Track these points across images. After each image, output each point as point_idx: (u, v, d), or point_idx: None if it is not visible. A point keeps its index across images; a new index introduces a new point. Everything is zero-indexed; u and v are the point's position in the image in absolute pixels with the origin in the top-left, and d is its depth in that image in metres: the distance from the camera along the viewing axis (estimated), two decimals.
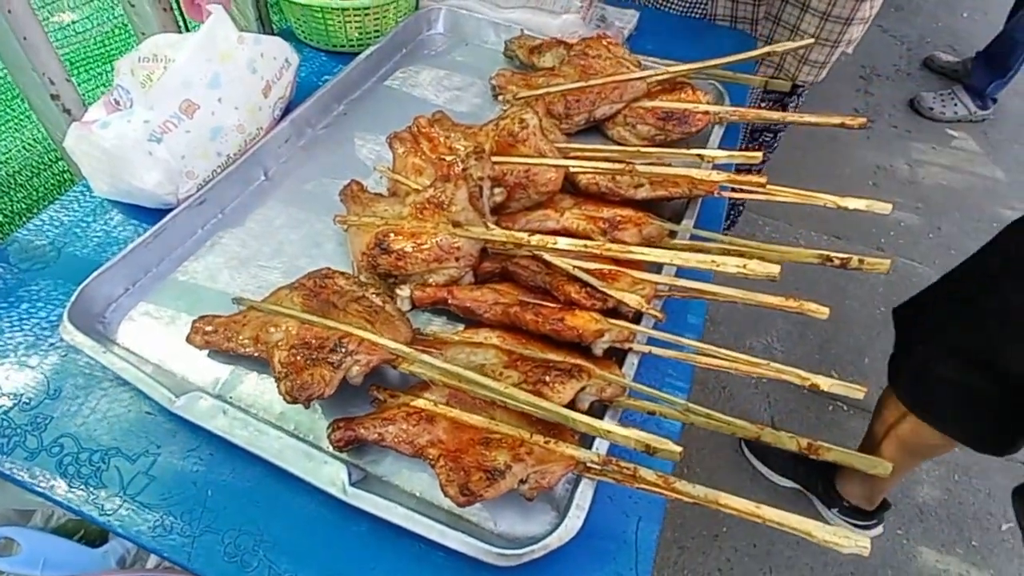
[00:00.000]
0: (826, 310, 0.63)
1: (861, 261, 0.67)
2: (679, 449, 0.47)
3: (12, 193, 0.93)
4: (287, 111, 0.92)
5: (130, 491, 0.57)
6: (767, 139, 1.59)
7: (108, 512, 0.56)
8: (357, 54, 1.02)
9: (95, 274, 0.68)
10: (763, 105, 1.47)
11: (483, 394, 0.54)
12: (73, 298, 0.66)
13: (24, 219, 0.94)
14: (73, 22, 1.08)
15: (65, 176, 1.00)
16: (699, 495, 0.49)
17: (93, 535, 0.73)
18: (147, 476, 0.58)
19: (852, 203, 0.75)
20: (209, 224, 0.80)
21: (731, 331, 1.99)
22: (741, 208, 1.86)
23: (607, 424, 0.50)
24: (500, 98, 0.99)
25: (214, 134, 0.79)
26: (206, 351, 0.67)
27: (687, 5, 1.33)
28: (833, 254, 0.68)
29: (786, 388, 1.84)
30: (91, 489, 0.57)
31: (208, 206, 0.79)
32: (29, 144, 0.97)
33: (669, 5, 1.34)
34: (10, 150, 0.94)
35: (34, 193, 0.96)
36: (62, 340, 0.66)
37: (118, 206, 0.82)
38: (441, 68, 1.09)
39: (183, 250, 0.77)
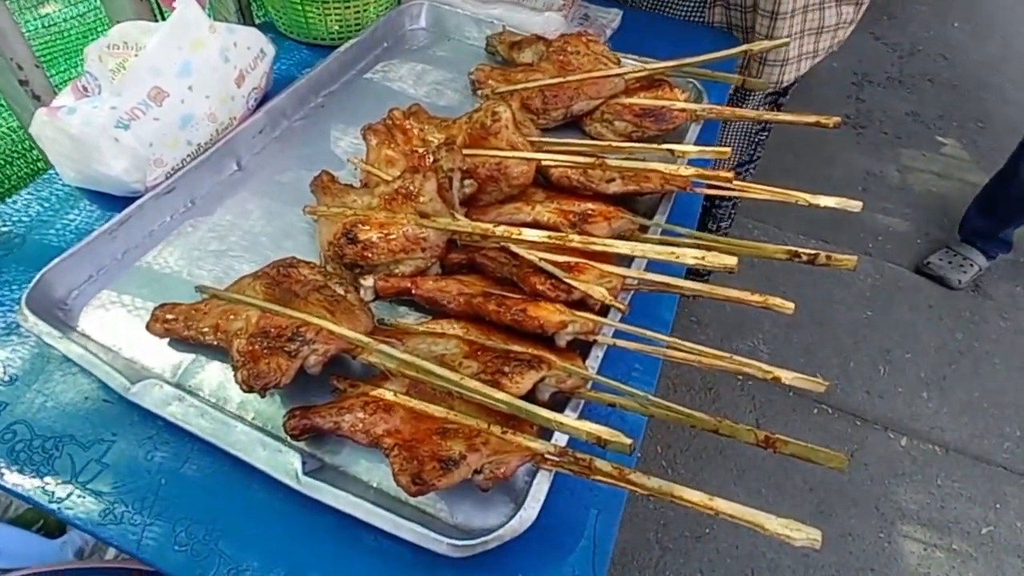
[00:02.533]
0: (791, 305, 0.63)
1: (828, 257, 0.66)
2: (629, 441, 0.46)
3: None
4: (263, 102, 0.92)
5: (82, 478, 0.56)
6: (762, 138, 1.58)
7: (58, 500, 0.55)
8: (337, 47, 1.02)
9: (57, 260, 0.67)
10: (762, 108, 1.46)
11: (440, 384, 0.54)
12: (32, 283, 0.65)
13: None
14: (55, 12, 1.07)
15: (39, 164, 0.99)
16: (654, 487, 0.49)
17: (52, 526, 0.72)
18: (100, 464, 0.57)
19: (824, 200, 0.75)
20: (178, 213, 0.79)
21: (717, 333, 1.99)
22: (733, 212, 1.85)
23: (559, 416, 0.50)
24: (479, 93, 0.98)
25: (184, 122, 0.78)
26: (167, 339, 0.66)
27: (684, 11, 1.33)
28: (800, 250, 0.68)
29: (772, 391, 1.84)
30: (42, 476, 0.56)
31: (177, 195, 0.78)
32: (4, 132, 0.96)
33: (665, 10, 1.34)
34: None
35: (6, 181, 0.95)
36: (20, 326, 0.65)
37: (87, 194, 0.81)
38: (422, 62, 1.09)
39: (150, 238, 0.76)
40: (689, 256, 0.58)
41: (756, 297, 0.61)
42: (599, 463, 0.50)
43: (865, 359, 1.97)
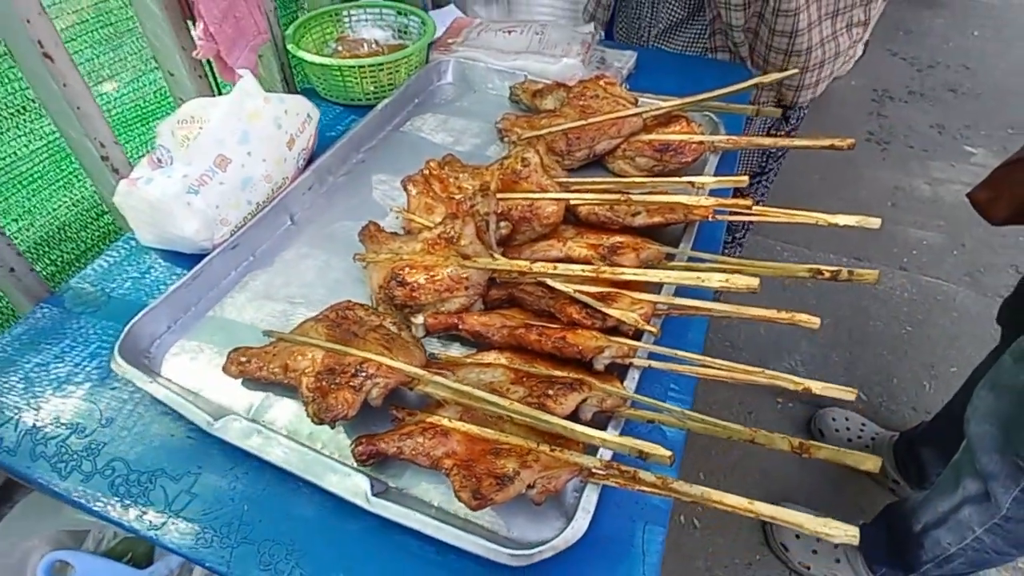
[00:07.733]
0: (816, 320, 0.66)
1: (851, 273, 0.70)
2: (669, 453, 0.50)
3: (62, 245, 1.02)
4: (310, 161, 1.01)
5: (174, 507, 0.63)
6: (771, 166, 1.63)
7: (155, 527, 0.61)
8: (373, 106, 1.11)
9: (140, 314, 0.75)
10: (779, 132, 1.49)
11: (491, 410, 0.59)
12: (122, 336, 0.73)
13: (73, 268, 1.03)
14: (116, 91, 1.18)
15: (110, 228, 1.09)
16: (696, 494, 0.52)
17: (140, 558, 0.79)
18: (189, 494, 0.64)
19: (843, 219, 0.78)
20: (241, 266, 0.87)
21: (753, 355, 2.00)
22: (745, 232, 1.88)
23: (602, 433, 0.54)
24: (506, 139, 1.06)
25: (245, 184, 0.87)
26: (240, 380, 0.73)
27: (684, 43, 1.40)
28: (822, 267, 0.71)
29: (814, 412, 1.83)
30: (140, 507, 0.63)
31: (240, 250, 0.86)
32: (77, 200, 1.06)
33: (669, 44, 1.41)
34: (60, 206, 1.03)
35: (82, 244, 1.05)
36: (113, 373, 0.73)
37: (159, 253, 0.90)
38: (451, 114, 1.17)
39: (218, 290, 0.84)
40: (714, 279, 0.63)
41: (782, 314, 0.65)
42: (643, 474, 0.54)
43: (908, 376, 1.94)
